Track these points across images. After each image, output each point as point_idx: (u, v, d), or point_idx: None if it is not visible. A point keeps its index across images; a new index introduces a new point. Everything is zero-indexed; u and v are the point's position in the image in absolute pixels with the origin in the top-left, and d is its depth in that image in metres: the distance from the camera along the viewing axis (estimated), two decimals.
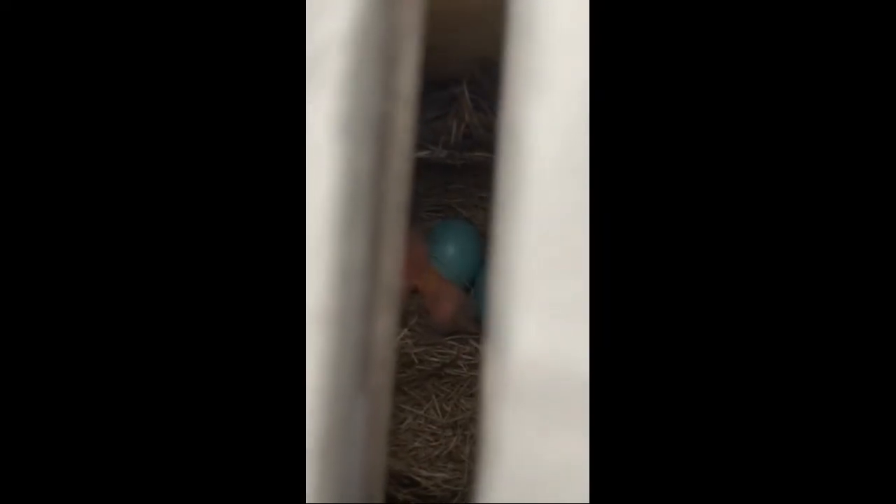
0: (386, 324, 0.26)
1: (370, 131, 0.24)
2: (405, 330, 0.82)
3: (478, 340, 0.83)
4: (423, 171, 0.81)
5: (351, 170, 0.23)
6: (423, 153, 0.79)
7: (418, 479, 0.79)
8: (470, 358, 0.84)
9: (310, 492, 0.22)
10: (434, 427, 0.83)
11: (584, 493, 0.21)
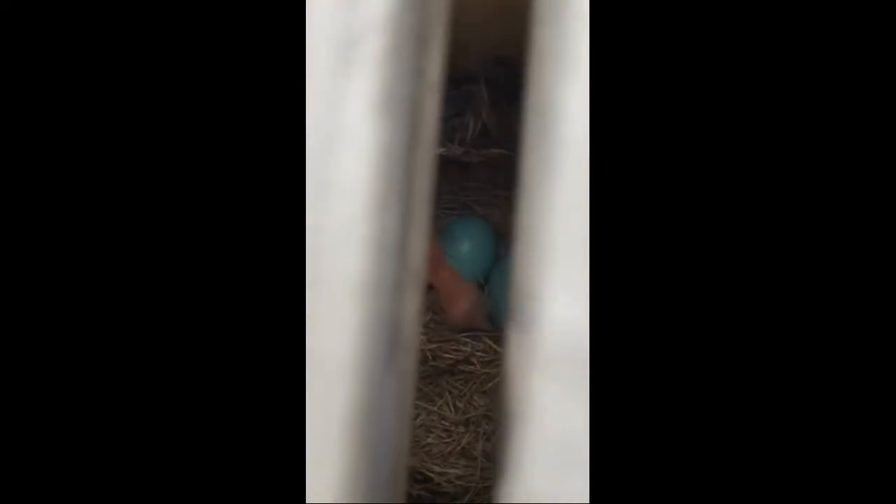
0: (413, 305, 0.26)
1: (403, 114, 0.24)
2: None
3: (492, 338, 0.83)
4: (439, 169, 0.81)
5: (385, 149, 0.23)
6: (440, 150, 0.79)
7: (431, 475, 0.79)
8: (483, 355, 0.84)
9: (342, 462, 0.22)
10: (447, 423, 0.83)
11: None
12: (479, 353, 0.84)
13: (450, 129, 0.79)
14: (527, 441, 0.21)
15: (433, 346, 0.84)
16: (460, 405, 0.83)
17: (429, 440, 0.82)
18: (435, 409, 0.83)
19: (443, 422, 0.83)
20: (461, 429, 0.83)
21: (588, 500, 0.22)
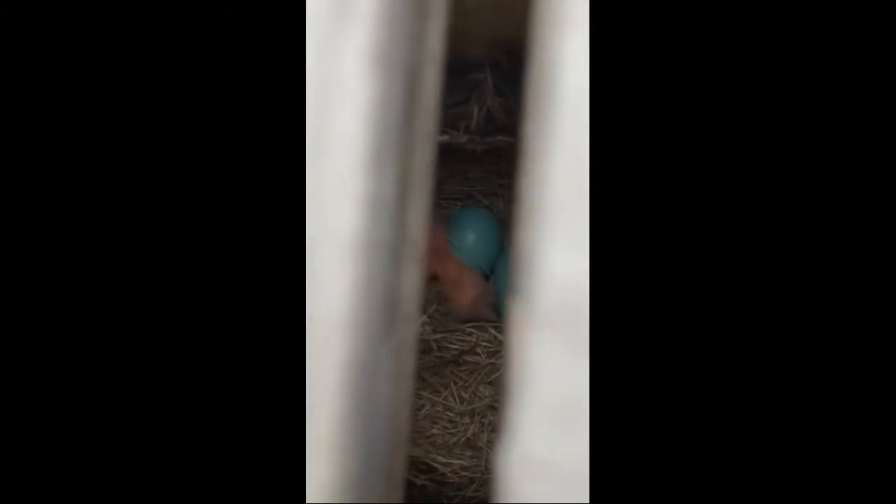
0: (412, 276, 0.26)
1: (400, 74, 0.24)
2: (424, 317, 0.83)
3: (497, 328, 0.83)
4: (443, 159, 0.81)
5: (380, 106, 0.23)
6: (444, 138, 0.79)
7: (436, 465, 0.79)
8: (488, 345, 0.84)
9: (333, 428, 0.22)
10: (452, 414, 0.83)
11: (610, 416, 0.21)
12: (484, 344, 0.84)
13: (454, 116, 0.79)
14: (526, 401, 0.21)
15: (438, 336, 0.84)
16: (465, 396, 0.83)
17: (434, 431, 0.82)
18: (440, 399, 0.83)
19: (448, 412, 0.83)
20: (466, 419, 0.83)
21: (588, 460, 0.22)
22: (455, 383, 0.85)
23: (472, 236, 0.85)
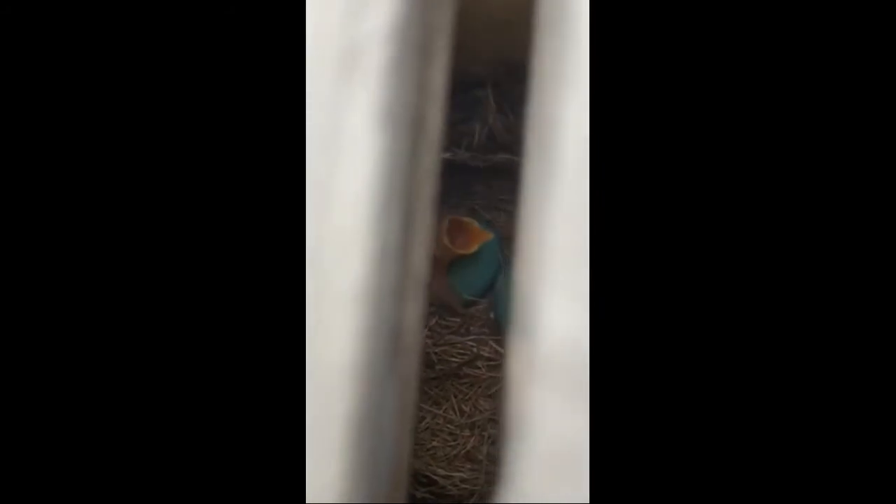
0: (415, 311, 0.27)
1: (405, 125, 0.25)
2: (425, 329, 0.83)
3: (497, 342, 0.83)
4: (446, 173, 0.81)
5: (387, 160, 0.24)
6: (446, 155, 0.79)
7: (436, 478, 0.79)
8: (489, 358, 0.84)
9: (342, 468, 0.22)
10: (452, 427, 0.83)
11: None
12: (484, 356, 0.84)
13: (457, 134, 0.80)
14: (524, 449, 0.22)
15: (439, 349, 0.84)
16: (466, 409, 0.83)
17: (434, 443, 0.82)
18: (440, 412, 0.83)
19: (448, 425, 0.83)
20: (466, 432, 0.83)
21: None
22: (455, 396, 0.85)
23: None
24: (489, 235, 0.79)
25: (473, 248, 0.79)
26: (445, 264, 0.81)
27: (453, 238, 0.78)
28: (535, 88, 0.26)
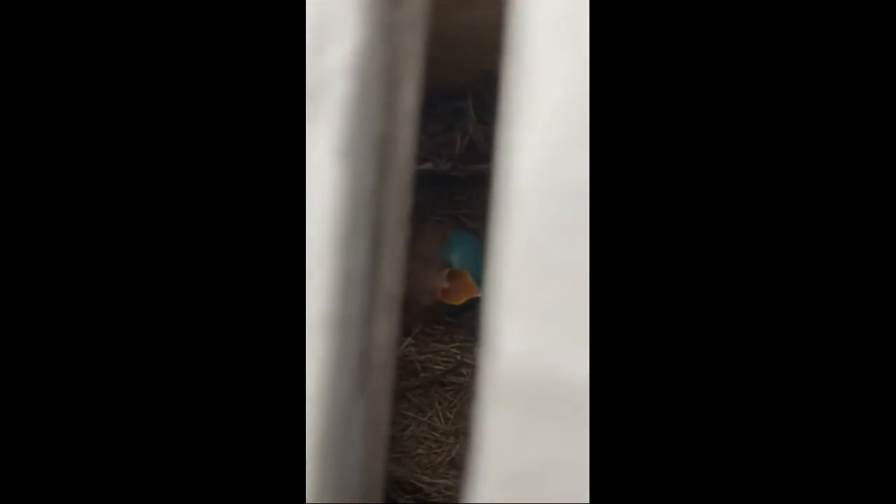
0: (386, 329, 0.27)
1: (371, 150, 0.25)
2: (409, 339, 0.83)
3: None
4: (427, 184, 0.82)
5: (351, 187, 0.24)
6: (427, 165, 0.80)
7: (421, 485, 0.79)
8: (473, 366, 0.84)
9: (309, 492, 0.23)
10: (437, 434, 0.83)
11: (569, 490, 0.22)
12: (468, 363, 0.84)
13: (437, 144, 0.80)
14: (481, 471, 0.22)
15: (423, 357, 0.84)
16: (450, 416, 0.84)
17: (419, 451, 0.82)
18: (425, 419, 0.84)
19: (433, 433, 0.83)
20: (451, 439, 0.83)
21: None
22: (440, 403, 0.86)
23: (457, 257, 0.86)
24: (479, 292, 0.79)
25: (461, 301, 0.80)
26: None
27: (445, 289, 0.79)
28: (501, 110, 0.27)
